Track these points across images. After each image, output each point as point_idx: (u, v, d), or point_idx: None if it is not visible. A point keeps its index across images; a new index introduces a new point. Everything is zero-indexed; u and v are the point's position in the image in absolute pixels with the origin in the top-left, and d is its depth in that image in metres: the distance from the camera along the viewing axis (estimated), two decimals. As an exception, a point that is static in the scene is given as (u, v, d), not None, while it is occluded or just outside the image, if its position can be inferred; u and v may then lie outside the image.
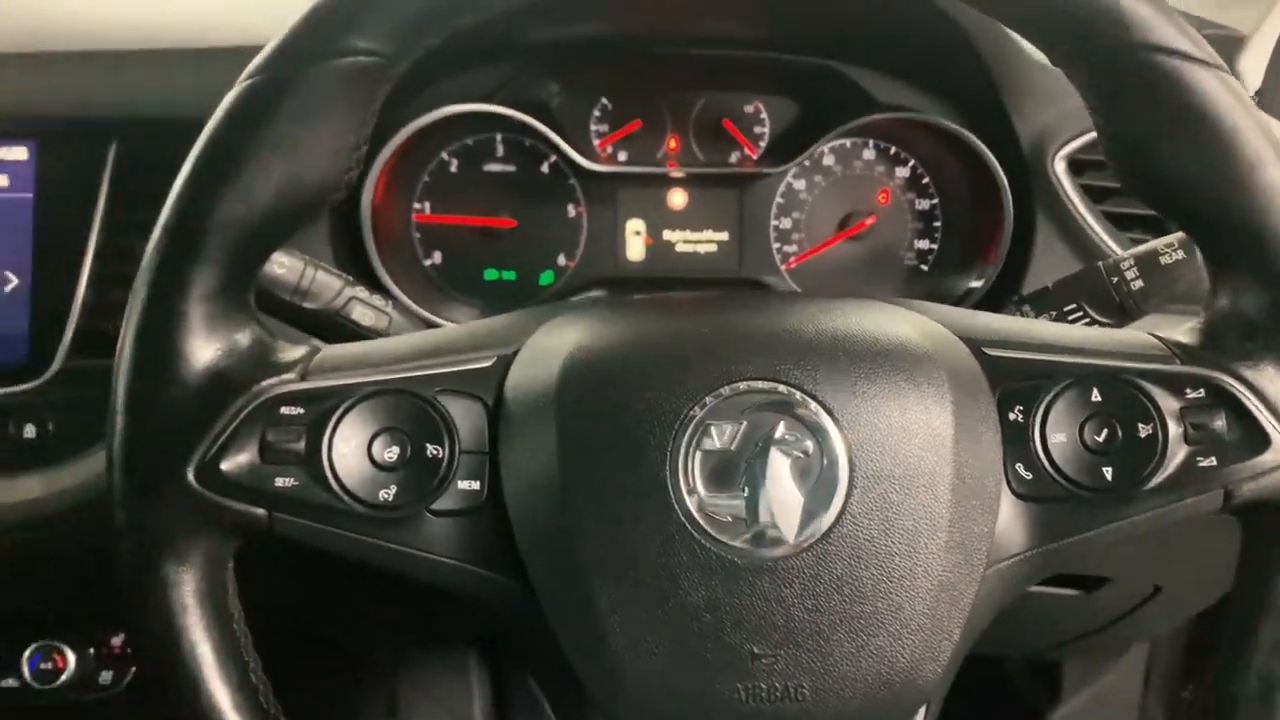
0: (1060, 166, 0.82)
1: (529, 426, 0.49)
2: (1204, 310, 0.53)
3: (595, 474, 0.48)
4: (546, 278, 0.90)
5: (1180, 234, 0.66)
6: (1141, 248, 0.68)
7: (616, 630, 0.47)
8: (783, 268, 0.91)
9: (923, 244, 0.91)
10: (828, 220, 0.90)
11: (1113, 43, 0.48)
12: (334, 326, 0.65)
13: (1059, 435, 0.51)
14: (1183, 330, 0.54)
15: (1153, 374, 0.51)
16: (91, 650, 0.84)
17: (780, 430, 0.48)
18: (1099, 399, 0.51)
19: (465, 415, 0.50)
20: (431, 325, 0.81)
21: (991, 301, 0.85)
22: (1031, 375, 0.51)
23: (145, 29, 0.83)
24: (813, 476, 0.48)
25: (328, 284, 0.65)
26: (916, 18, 0.80)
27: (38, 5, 0.85)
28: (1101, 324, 0.67)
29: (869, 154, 0.90)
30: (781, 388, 0.48)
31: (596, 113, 0.89)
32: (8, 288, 0.76)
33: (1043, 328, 0.56)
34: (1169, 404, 0.50)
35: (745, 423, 0.48)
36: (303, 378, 0.50)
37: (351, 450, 0.49)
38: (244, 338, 0.50)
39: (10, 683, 0.83)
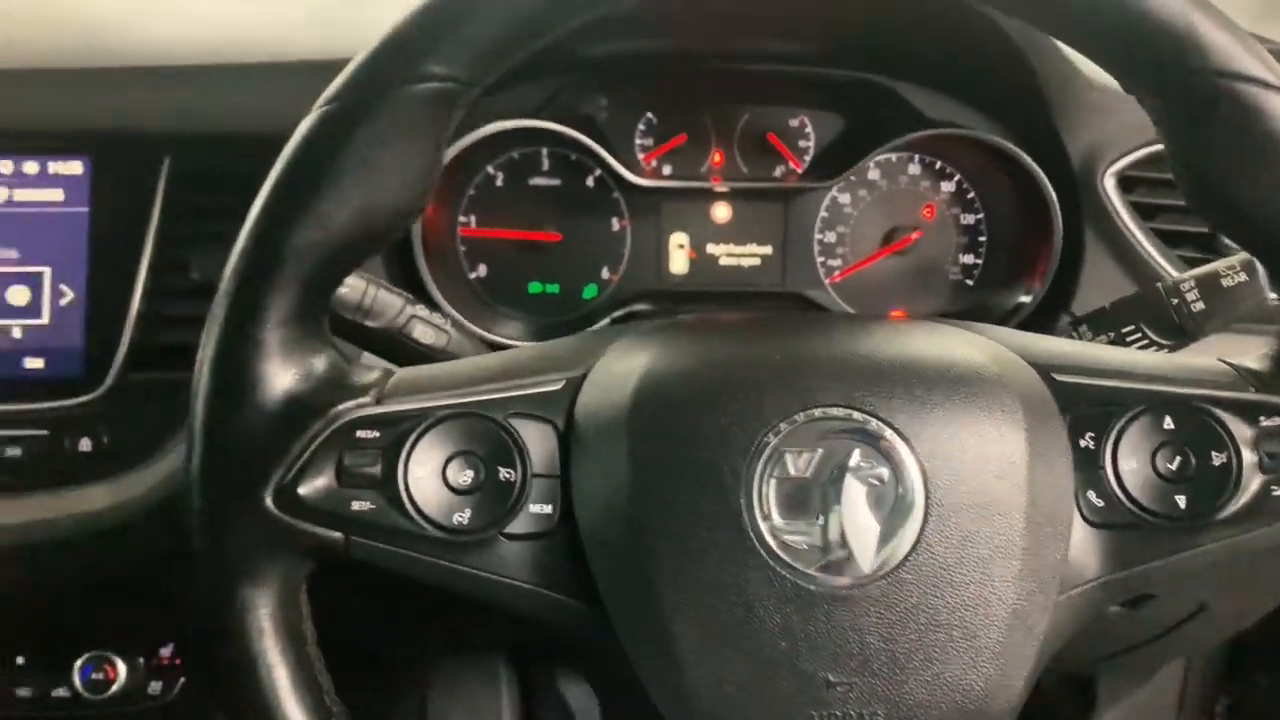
0: (1110, 183, 0.82)
1: (600, 451, 0.49)
2: (1276, 337, 0.53)
3: (668, 500, 0.48)
4: (590, 291, 0.90)
5: (1242, 255, 0.66)
6: (1202, 269, 0.67)
7: (691, 656, 0.47)
8: (827, 282, 0.91)
9: (967, 259, 0.91)
10: (872, 235, 0.90)
11: (1189, 69, 0.47)
12: (395, 344, 0.66)
13: (1131, 463, 0.50)
14: (1254, 357, 0.54)
15: (1226, 401, 0.51)
16: (141, 660, 0.85)
17: (855, 458, 0.48)
18: (1171, 426, 0.51)
19: (536, 438, 0.50)
20: (484, 341, 0.81)
21: (1040, 318, 0.85)
22: (1102, 402, 0.51)
23: (196, 44, 0.83)
24: (888, 504, 0.48)
25: (390, 303, 0.65)
26: (967, 33, 0.80)
27: (92, 20, 0.86)
28: (1160, 345, 0.66)
29: (914, 169, 0.90)
30: (856, 415, 0.48)
31: (641, 127, 0.89)
32: (63, 301, 0.77)
33: (1110, 353, 0.55)
34: (1243, 432, 0.50)
35: (820, 450, 0.48)
36: (378, 401, 0.50)
37: (427, 474, 0.49)
38: (320, 362, 0.50)
39: (62, 693, 0.83)
